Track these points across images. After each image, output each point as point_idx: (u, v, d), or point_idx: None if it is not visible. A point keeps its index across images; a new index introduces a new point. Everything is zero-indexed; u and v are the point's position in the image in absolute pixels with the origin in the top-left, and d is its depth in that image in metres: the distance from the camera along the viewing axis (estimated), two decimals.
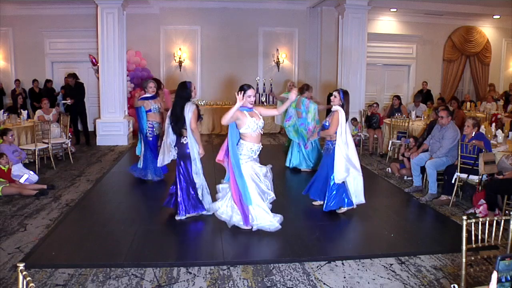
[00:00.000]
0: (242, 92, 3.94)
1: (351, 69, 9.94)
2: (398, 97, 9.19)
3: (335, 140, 4.64)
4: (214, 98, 11.50)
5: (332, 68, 10.95)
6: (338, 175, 4.59)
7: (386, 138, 8.38)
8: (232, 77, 11.57)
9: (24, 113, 7.93)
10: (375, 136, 8.60)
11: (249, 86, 4.06)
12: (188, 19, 11.39)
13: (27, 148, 6.92)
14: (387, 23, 12.30)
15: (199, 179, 4.58)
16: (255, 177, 4.07)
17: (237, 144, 4.08)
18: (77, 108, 9.22)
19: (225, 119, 3.88)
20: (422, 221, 4.97)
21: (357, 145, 9.09)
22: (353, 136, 9.35)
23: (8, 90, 11.02)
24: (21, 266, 1.76)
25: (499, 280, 1.17)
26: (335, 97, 4.74)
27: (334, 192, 4.72)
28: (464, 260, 2.46)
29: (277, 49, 11.72)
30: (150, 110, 5.98)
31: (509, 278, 1.18)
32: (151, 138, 6.06)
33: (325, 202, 4.76)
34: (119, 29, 9.17)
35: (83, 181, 6.29)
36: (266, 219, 4.07)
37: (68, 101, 9.14)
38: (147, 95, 6.01)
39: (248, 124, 3.99)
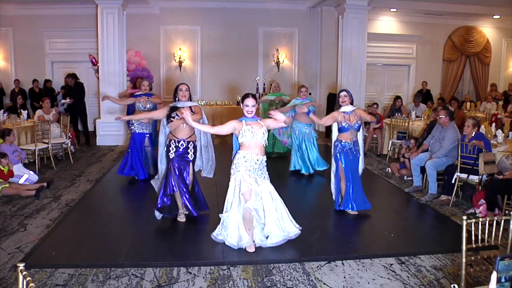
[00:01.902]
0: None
1: (351, 69, 9.94)
2: (400, 98, 9.19)
3: (357, 139, 4.79)
4: (214, 98, 11.48)
5: (332, 68, 10.95)
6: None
7: (386, 138, 8.38)
8: (232, 77, 11.57)
9: (24, 113, 7.94)
10: (374, 136, 8.61)
11: (248, 95, 3.80)
12: (188, 19, 11.39)
13: (27, 148, 6.93)
14: (387, 23, 12.29)
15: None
16: (240, 189, 3.75)
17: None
18: (76, 108, 9.21)
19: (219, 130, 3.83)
20: (422, 221, 4.97)
21: None
22: None
23: (8, 90, 11.02)
24: (21, 266, 1.76)
25: (498, 280, 1.17)
26: (345, 96, 4.75)
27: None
28: (464, 260, 2.46)
29: (277, 49, 11.72)
30: (140, 108, 6.08)
31: (508, 278, 1.18)
32: (135, 132, 6.16)
33: (357, 202, 4.78)
34: (119, 29, 9.17)
35: (83, 181, 6.29)
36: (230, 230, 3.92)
37: (68, 101, 9.12)
38: (139, 92, 6.15)
39: (242, 133, 3.70)
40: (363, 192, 4.85)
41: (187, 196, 4.42)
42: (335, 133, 4.88)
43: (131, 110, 6.80)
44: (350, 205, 4.77)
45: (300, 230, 4.00)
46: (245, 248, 3.79)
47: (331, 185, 4.97)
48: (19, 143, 7.01)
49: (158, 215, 4.51)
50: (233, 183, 3.79)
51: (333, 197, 4.93)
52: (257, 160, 3.73)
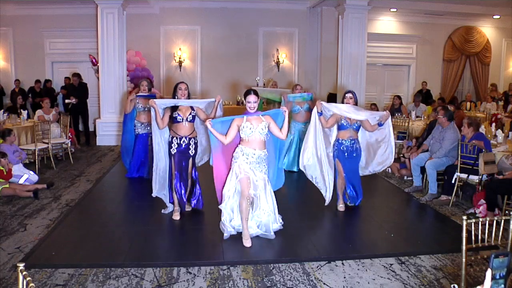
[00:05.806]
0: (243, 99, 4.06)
1: (351, 69, 9.93)
2: (399, 97, 9.20)
3: (357, 138, 4.83)
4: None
5: (332, 68, 10.95)
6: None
7: None
8: (232, 77, 11.57)
9: (24, 113, 7.94)
10: None
11: (250, 92, 4.00)
12: (188, 19, 11.39)
13: (27, 148, 6.92)
14: (387, 23, 12.29)
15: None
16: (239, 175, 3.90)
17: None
18: (78, 108, 9.20)
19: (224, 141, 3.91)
20: (422, 221, 4.97)
21: None
22: None
23: (8, 90, 11.02)
24: (21, 266, 1.76)
25: (493, 277, 1.19)
26: (351, 98, 4.76)
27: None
28: (464, 260, 2.46)
29: (277, 49, 11.71)
30: (140, 109, 6.04)
31: (502, 275, 1.20)
32: (138, 133, 6.14)
33: (359, 195, 4.99)
34: (119, 29, 9.17)
35: (83, 181, 6.29)
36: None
37: (73, 100, 9.06)
38: (142, 93, 6.08)
39: (242, 129, 3.87)
40: (361, 189, 5.01)
41: (182, 192, 4.55)
42: (334, 133, 4.91)
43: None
44: (357, 201, 4.99)
45: (281, 226, 4.14)
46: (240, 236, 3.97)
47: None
48: (19, 143, 7.00)
49: (169, 206, 4.67)
50: (232, 173, 3.97)
51: (325, 192, 4.83)
52: (254, 154, 3.87)
